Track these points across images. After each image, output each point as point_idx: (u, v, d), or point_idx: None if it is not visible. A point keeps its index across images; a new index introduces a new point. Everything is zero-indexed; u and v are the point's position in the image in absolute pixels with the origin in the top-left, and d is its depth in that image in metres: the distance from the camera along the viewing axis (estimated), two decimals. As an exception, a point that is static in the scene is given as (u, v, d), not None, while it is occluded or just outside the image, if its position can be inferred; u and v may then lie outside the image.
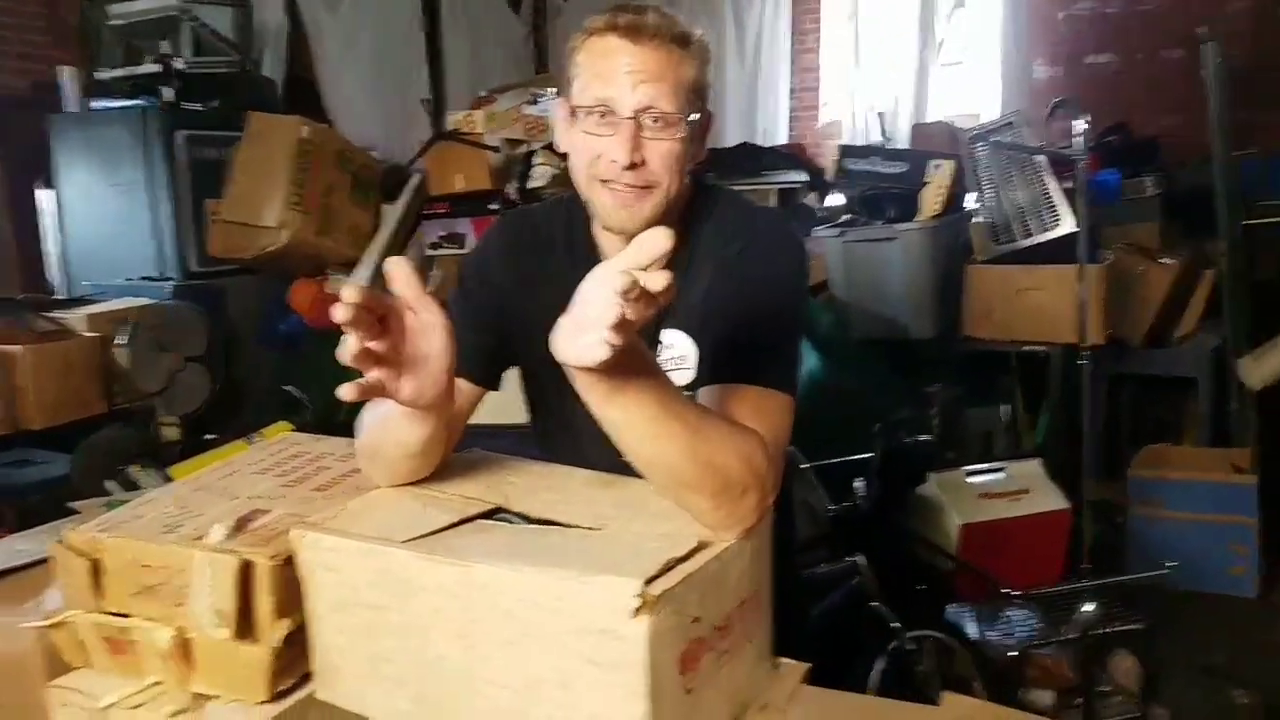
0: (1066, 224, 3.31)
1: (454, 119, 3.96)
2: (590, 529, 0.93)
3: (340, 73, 4.78)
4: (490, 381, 1.24)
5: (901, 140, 5.22)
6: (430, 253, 3.81)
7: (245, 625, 0.98)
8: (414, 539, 0.91)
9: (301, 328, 3.61)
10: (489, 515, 0.99)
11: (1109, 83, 5.45)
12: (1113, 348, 3.43)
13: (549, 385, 1.27)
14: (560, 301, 1.20)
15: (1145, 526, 3.32)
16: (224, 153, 3.48)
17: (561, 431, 1.28)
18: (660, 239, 0.76)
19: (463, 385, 1.18)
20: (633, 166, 1.10)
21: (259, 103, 3.65)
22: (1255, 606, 3.19)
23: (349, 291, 0.83)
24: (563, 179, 3.49)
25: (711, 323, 1.14)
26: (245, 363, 3.43)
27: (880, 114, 4.82)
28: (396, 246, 3.79)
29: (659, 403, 0.87)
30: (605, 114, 1.10)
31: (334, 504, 1.06)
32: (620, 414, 0.87)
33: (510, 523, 0.98)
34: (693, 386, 1.14)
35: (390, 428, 1.00)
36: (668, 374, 1.12)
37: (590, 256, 1.23)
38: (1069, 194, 3.30)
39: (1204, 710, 2.66)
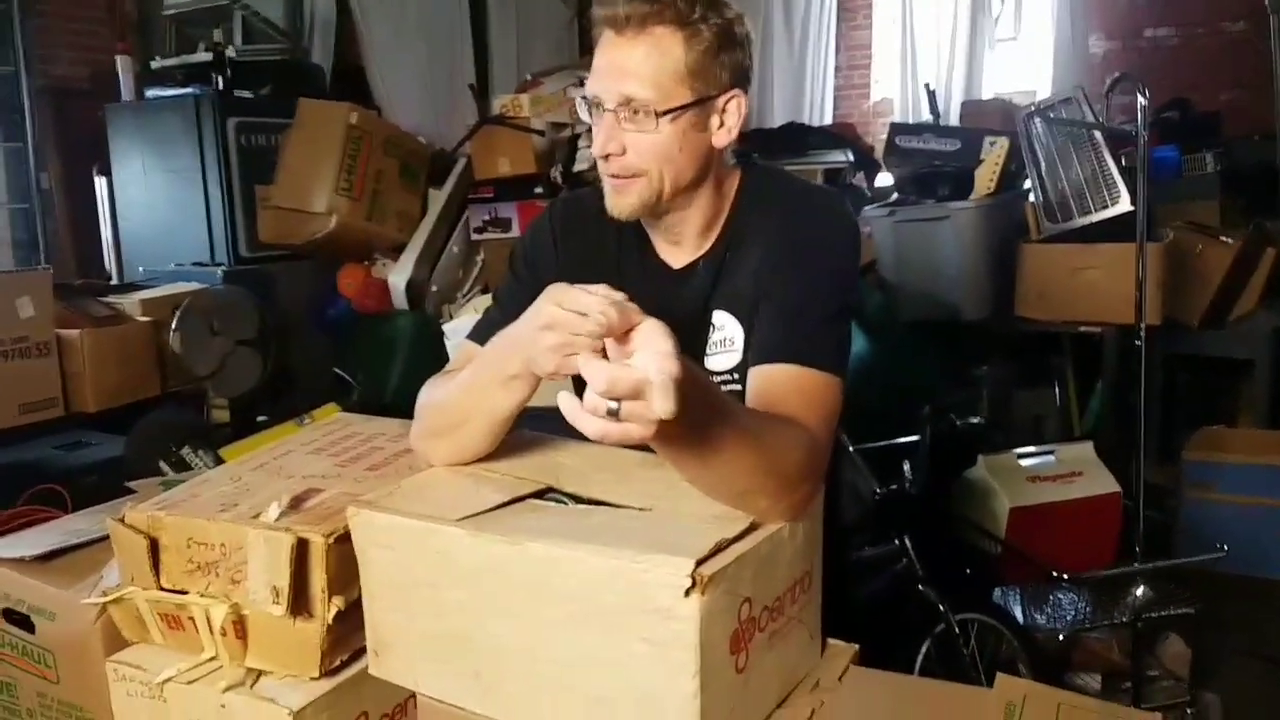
0: (1124, 202, 3.23)
1: (500, 103, 3.96)
2: (641, 509, 0.93)
3: (388, 59, 4.81)
4: None
5: (953, 118, 5.14)
6: (475, 237, 3.83)
7: (300, 602, 1.00)
8: (467, 517, 0.92)
9: (349, 311, 3.65)
10: (540, 495, 1.00)
11: (1168, 57, 5.31)
12: (1169, 328, 3.35)
13: None
14: (612, 286, 1.19)
15: (1199, 510, 3.24)
16: (274, 139, 3.53)
17: None
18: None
19: None
20: (608, 157, 1.11)
21: (308, 89, 3.69)
22: (1310, 592, 3.09)
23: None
24: (606, 161, 3.48)
25: (760, 303, 1.13)
26: (295, 346, 3.48)
27: (931, 91, 4.73)
28: (442, 231, 3.81)
29: (734, 431, 0.87)
30: (595, 107, 1.11)
31: (387, 483, 1.08)
32: (695, 458, 0.87)
33: (562, 503, 0.98)
34: (740, 369, 1.14)
35: (486, 395, 1.01)
36: (716, 355, 1.12)
37: (641, 241, 1.22)
38: (1126, 171, 3.21)
39: (1255, 696, 2.60)
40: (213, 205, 3.47)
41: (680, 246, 1.21)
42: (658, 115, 1.08)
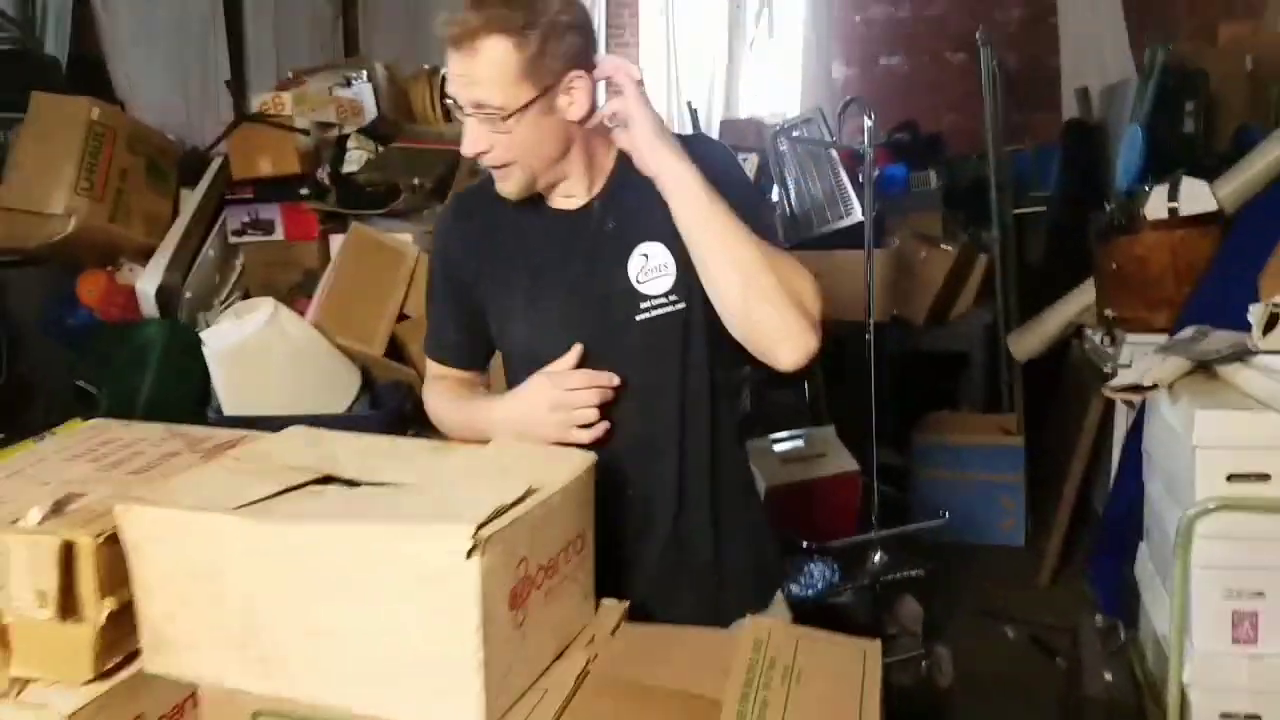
0: (856, 213, 3.57)
1: (259, 100, 3.81)
2: (422, 486, 0.97)
3: (132, 51, 4.50)
4: (479, 364, 1.46)
5: (713, 134, 5.43)
6: (234, 240, 3.66)
7: (67, 606, 0.98)
8: (244, 505, 0.93)
9: (92, 320, 3.40)
10: (321, 484, 1.02)
11: (900, 83, 5.85)
12: (898, 326, 3.73)
13: (520, 335, 1.36)
14: (519, 247, 1.33)
15: (928, 486, 3.65)
16: (4, 136, 3.25)
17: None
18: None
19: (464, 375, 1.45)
20: (477, 156, 1.23)
21: (42, 83, 3.41)
22: (1023, 555, 3.59)
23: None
24: (378, 163, 3.45)
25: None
26: (30, 358, 3.22)
27: (694, 109, 4.99)
28: (196, 234, 3.62)
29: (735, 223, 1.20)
30: (458, 110, 1.22)
31: (154, 485, 1.06)
32: (718, 234, 1.20)
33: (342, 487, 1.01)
34: (677, 289, 1.27)
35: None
36: (651, 281, 1.29)
37: (537, 197, 1.31)
38: (861, 186, 3.55)
39: (979, 647, 2.98)
40: (-70, 207, 3.14)
41: (572, 197, 1.32)
42: (504, 119, 1.18)
